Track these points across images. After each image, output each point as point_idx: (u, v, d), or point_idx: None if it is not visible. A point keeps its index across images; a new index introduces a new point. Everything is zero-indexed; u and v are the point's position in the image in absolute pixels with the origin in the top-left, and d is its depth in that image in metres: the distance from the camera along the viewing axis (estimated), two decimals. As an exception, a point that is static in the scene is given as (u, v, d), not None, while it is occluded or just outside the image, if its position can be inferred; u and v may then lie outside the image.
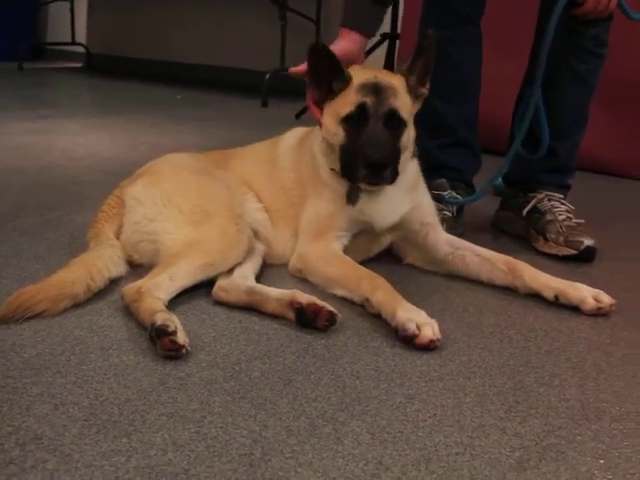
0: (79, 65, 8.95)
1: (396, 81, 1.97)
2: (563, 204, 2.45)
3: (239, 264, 1.90)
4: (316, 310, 1.68)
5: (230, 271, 1.87)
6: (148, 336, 1.57)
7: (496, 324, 1.80)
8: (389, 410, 1.36)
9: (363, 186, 1.97)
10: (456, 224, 2.43)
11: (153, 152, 2.62)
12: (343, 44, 2.14)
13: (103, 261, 1.84)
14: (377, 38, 4.97)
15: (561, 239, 2.31)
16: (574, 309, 1.87)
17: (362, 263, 1.98)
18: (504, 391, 1.46)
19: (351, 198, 2.01)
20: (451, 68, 2.44)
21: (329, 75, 1.97)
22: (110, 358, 1.52)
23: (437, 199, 2.33)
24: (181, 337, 1.53)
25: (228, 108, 5.85)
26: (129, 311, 1.70)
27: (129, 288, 1.73)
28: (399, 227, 2.09)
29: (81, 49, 8.85)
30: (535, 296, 1.94)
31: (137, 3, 8.26)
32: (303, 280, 2.01)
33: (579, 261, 2.27)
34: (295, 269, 2.04)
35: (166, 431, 1.26)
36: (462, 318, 1.83)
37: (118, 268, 1.89)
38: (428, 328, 1.61)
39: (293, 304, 1.71)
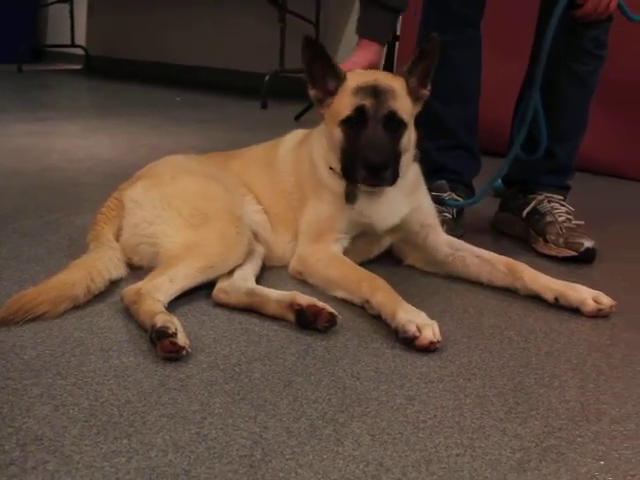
0: (78, 67, 8.96)
1: (396, 83, 1.97)
2: (563, 205, 2.46)
3: (239, 266, 1.90)
4: (316, 312, 1.68)
5: (230, 273, 1.87)
6: (148, 338, 1.57)
7: (496, 325, 1.80)
8: (389, 411, 1.36)
9: (363, 187, 1.97)
10: (456, 226, 2.43)
11: (152, 154, 2.62)
12: (367, 55, 2.21)
13: (103, 263, 1.84)
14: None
15: (561, 240, 2.31)
16: (574, 311, 1.87)
17: (362, 265, 1.98)
18: (504, 392, 1.46)
19: (349, 198, 2.01)
20: (451, 71, 2.44)
21: (323, 72, 1.98)
22: (110, 360, 1.52)
23: (437, 201, 2.33)
24: (181, 339, 1.53)
25: (227, 110, 5.85)
26: (129, 313, 1.70)
27: (129, 290, 1.73)
28: (399, 229, 2.09)
29: (80, 51, 8.86)
30: (535, 298, 1.94)
31: (137, 5, 8.27)
32: (303, 282, 2.01)
33: (579, 262, 2.27)
34: (295, 271, 2.04)
35: (166, 432, 1.26)
36: (462, 319, 1.83)
37: (118, 270, 1.89)
38: (428, 329, 1.61)
39: (293, 306, 1.71)
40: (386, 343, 1.65)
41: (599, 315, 1.85)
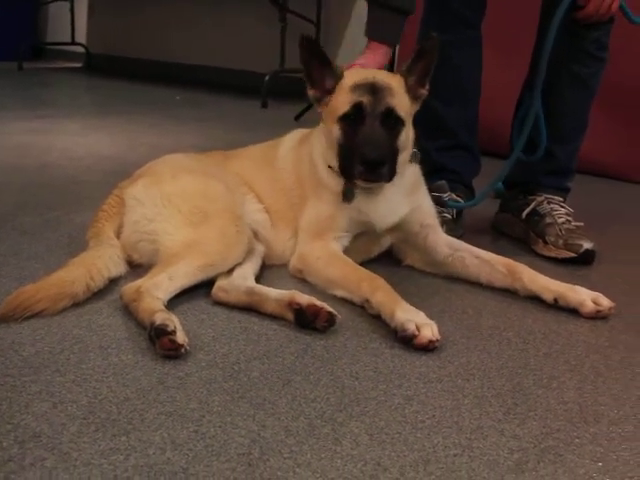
0: (79, 65, 8.95)
1: (394, 81, 1.97)
2: (562, 207, 2.46)
3: (239, 264, 1.91)
4: (315, 311, 1.68)
5: (230, 271, 1.87)
6: (147, 335, 1.57)
7: (495, 326, 1.80)
8: (388, 411, 1.36)
9: (360, 183, 1.97)
10: (456, 226, 2.44)
11: (152, 153, 2.62)
12: (375, 57, 2.22)
13: (103, 261, 1.84)
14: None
15: (560, 242, 2.31)
16: (573, 312, 1.87)
17: (362, 264, 1.98)
18: (503, 393, 1.46)
19: (347, 195, 2.01)
20: (451, 71, 2.44)
21: (320, 70, 1.99)
22: (109, 357, 1.52)
23: (437, 201, 2.33)
24: (180, 337, 1.53)
25: (227, 109, 5.85)
26: (128, 310, 1.70)
27: (128, 287, 1.73)
28: (399, 228, 2.09)
29: (81, 49, 8.86)
30: (534, 299, 1.94)
31: (137, 4, 8.27)
32: (302, 281, 2.01)
33: (578, 264, 2.27)
34: (295, 269, 2.04)
35: (165, 430, 1.26)
36: (461, 320, 1.83)
37: (118, 268, 1.89)
38: (427, 329, 1.62)
39: (292, 305, 1.71)
40: (385, 343, 1.65)
41: (598, 317, 1.86)
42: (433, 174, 2.44)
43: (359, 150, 1.89)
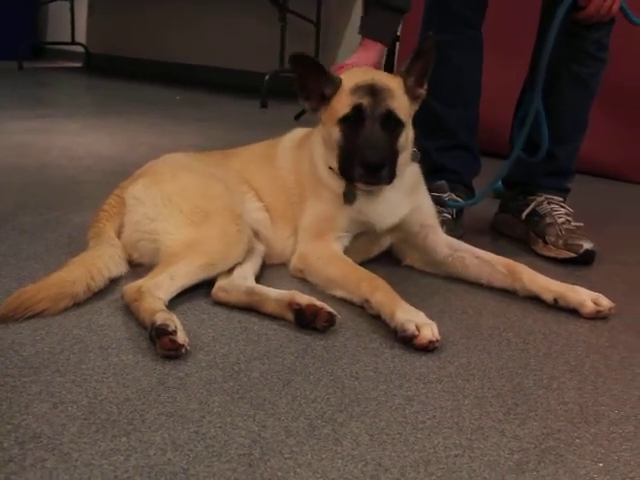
0: (79, 65, 8.95)
1: (393, 82, 1.97)
2: (562, 207, 2.46)
3: (239, 264, 1.91)
4: (315, 311, 1.68)
5: (230, 271, 1.87)
6: (148, 335, 1.57)
7: (495, 326, 1.80)
8: (388, 411, 1.36)
9: (360, 186, 1.97)
10: (455, 226, 2.44)
11: (152, 152, 2.62)
12: (368, 55, 2.21)
13: (103, 260, 1.84)
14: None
15: (560, 242, 2.31)
16: (573, 312, 1.87)
17: (362, 264, 1.98)
18: (503, 393, 1.46)
19: (348, 198, 2.01)
20: (451, 71, 2.44)
21: (317, 81, 1.98)
22: (109, 357, 1.52)
23: (437, 201, 2.33)
24: (181, 337, 1.53)
25: (227, 109, 5.85)
26: (129, 310, 1.70)
27: (129, 287, 1.73)
28: (399, 229, 2.09)
29: (81, 49, 8.85)
30: (534, 299, 1.94)
31: (137, 3, 8.27)
32: (302, 281, 2.01)
33: (578, 264, 2.27)
34: (295, 269, 2.04)
35: (165, 430, 1.26)
36: (461, 320, 1.83)
37: (118, 267, 1.89)
38: (427, 329, 1.62)
39: (292, 305, 1.71)
40: (385, 343, 1.65)
41: (598, 317, 1.86)
42: (433, 174, 2.44)
43: (359, 153, 1.89)
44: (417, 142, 2.10)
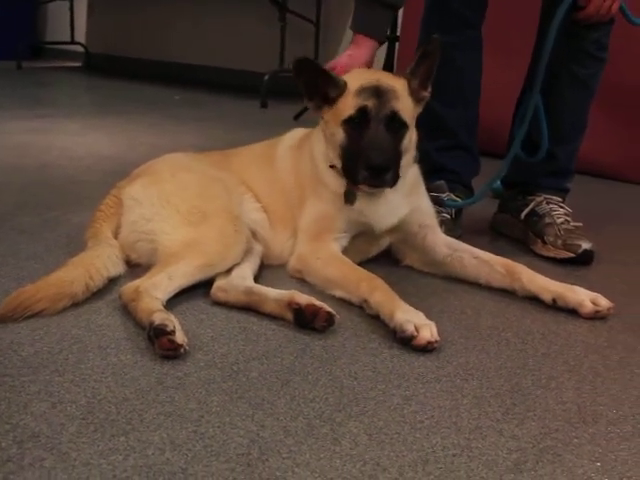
0: (78, 64, 8.95)
1: (398, 84, 1.97)
2: (561, 207, 2.46)
3: (237, 264, 1.91)
4: (314, 311, 1.68)
5: (228, 271, 1.87)
6: (146, 335, 1.57)
7: (494, 326, 1.80)
8: (386, 411, 1.36)
9: (364, 188, 1.97)
10: (454, 226, 2.44)
11: (152, 152, 2.62)
12: (361, 51, 2.19)
13: (102, 260, 1.84)
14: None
15: (559, 242, 2.31)
16: (571, 312, 1.87)
17: (361, 264, 1.98)
18: (501, 393, 1.46)
19: (349, 198, 2.01)
20: (454, 72, 2.44)
21: (322, 84, 1.97)
22: (108, 357, 1.52)
23: (435, 201, 2.33)
24: (179, 337, 1.53)
25: (227, 109, 5.85)
26: (127, 310, 1.70)
27: (127, 287, 1.73)
28: (398, 229, 2.09)
29: (80, 48, 8.85)
30: (533, 299, 1.94)
31: (137, 3, 8.27)
32: (301, 281, 2.01)
33: (577, 264, 2.27)
34: (294, 270, 2.04)
35: (164, 430, 1.26)
36: (460, 320, 1.83)
37: (116, 267, 1.89)
38: (426, 329, 1.62)
39: (291, 305, 1.71)
40: (384, 343, 1.65)
41: (597, 317, 1.86)
42: (432, 174, 2.44)
43: (364, 155, 1.88)
44: (419, 144, 2.10)
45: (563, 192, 2.54)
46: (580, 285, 1.92)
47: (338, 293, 1.89)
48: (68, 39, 8.86)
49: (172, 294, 1.76)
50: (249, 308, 1.79)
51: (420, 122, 2.07)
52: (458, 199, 2.52)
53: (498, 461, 1.22)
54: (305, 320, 1.69)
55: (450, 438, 1.28)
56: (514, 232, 2.55)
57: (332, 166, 2.04)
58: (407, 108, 1.97)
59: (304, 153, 2.15)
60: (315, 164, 2.09)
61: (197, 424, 1.28)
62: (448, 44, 2.21)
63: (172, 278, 1.76)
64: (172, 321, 1.56)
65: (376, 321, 1.74)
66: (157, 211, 1.93)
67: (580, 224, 2.40)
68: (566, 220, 2.39)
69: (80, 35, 9.01)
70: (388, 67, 4.95)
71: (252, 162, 2.26)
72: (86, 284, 1.76)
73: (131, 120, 4.96)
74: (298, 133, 2.28)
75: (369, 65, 2.21)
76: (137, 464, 1.16)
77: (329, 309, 1.69)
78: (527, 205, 2.50)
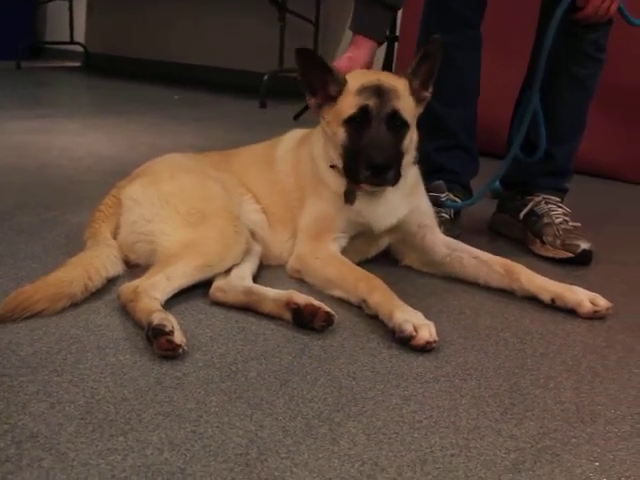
0: (77, 64, 8.95)
1: (399, 83, 1.97)
2: (560, 207, 2.46)
3: (236, 265, 1.91)
4: (313, 311, 1.68)
5: (227, 271, 1.88)
6: (145, 335, 1.57)
7: (492, 326, 1.80)
8: (385, 411, 1.36)
9: (366, 187, 1.97)
10: (453, 226, 2.44)
11: (151, 152, 2.62)
12: (361, 52, 2.18)
13: (100, 261, 1.84)
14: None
15: (558, 242, 2.31)
16: (570, 312, 1.88)
17: (360, 264, 1.98)
18: (500, 393, 1.46)
19: (349, 198, 2.01)
20: (455, 72, 2.44)
21: (322, 79, 1.98)
22: (106, 357, 1.52)
23: (435, 201, 2.33)
24: (178, 337, 1.53)
25: (226, 109, 5.85)
26: (126, 310, 1.70)
27: (126, 288, 1.73)
28: (397, 229, 2.09)
29: (80, 48, 8.85)
30: (532, 299, 1.95)
31: (136, 3, 8.27)
32: (300, 281, 2.01)
33: (575, 264, 2.28)
34: (293, 269, 2.04)
35: (162, 430, 1.26)
36: (459, 320, 1.83)
37: (115, 268, 1.89)
38: (425, 329, 1.62)
39: (290, 305, 1.71)
40: (382, 343, 1.65)
41: (595, 317, 1.86)
42: (431, 174, 2.44)
43: (365, 154, 1.89)
44: (420, 145, 2.10)
45: (562, 192, 2.54)
46: (579, 285, 1.92)
47: (337, 293, 1.89)
48: (67, 39, 8.86)
49: (171, 294, 1.76)
50: (248, 308, 1.79)
51: (420, 122, 2.08)
52: (457, 199, 2.52)
53: (496, 461, 1.22)
54: (304, 320, 1.69)
55: (448, 438, 1.28)
56: (513, 232, 2.56)
57: (332, 166, 2.04)
58: (408, 108, 1.97)
59: (304, 154, 2.15)
60: (315, 164, 2.09)
61: (196, 424, 1.28)
62: (448, 44, 2.21)
63: (171, 278, 1.76)
64: (171, 321, 1.56)
65: (375, 321, 1.74)
66: (156, 212, 1.92)
67: (579, 224, 2.40)
68: (565, 220, 2.40)
69: (79, 35, 9.02)
70: (387, 67, 4.95)
71: (252, 163, 2.26)
72: (85, 284, 1.76)
73: (131, 120, 4.96)
74: (297, 133, 2.28)
75: (369, 66, 2.21)
76: (136, 464, 1.16)
77: (328, 309, 1.69)
78: (526, 205, 2.50)
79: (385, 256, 2.21)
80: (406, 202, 2.08)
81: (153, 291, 1.69)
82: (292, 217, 2.12)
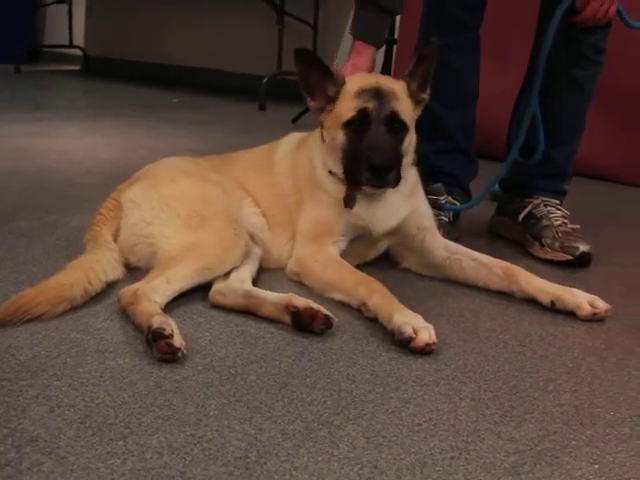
0: (76, 68, 8.96)
1: (397, 86, 1.98)
2: (559, 210, 2.46)
3: (236, 268, 1.91)
4: (312, 314, 1.68)
5: (227, 275, 1.88)
6: (144, 339, 1.57)
7: (492, 329, 1.80)
8: (384, 414, 1.36)
9: (367, 189, 1.97)
10: (452, 229, 2.44)
11: (151, 155, 2.62)
12: (363, 59, 2.20)
13: (101, 264, 1.84)
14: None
15: (557, 244, 2.31)
16: (569, 314, 1.88)
17: (359, 267, 1.99)
18: (499, 396, 1.46)
19: (348, 202, 2.02)
20: (453, 75, 2.45)
21: (320, 79, 1.98)
22: (106, 361, 1.52)
23: (433, 204, 2.33)
24: (177, 340, 1.53)
25: (225, 112, 5.85)
26: (125, 314, 1.70)
27: (126, 291, 1.73)
28: (396, 232, 2.10)
29: (78, 52, 8.86)
30: (531, 301, 1.95)
31: (135, 6, 8.28)
32: (299, 284, 2.01)
33: (574, 266, 2.28)
34: (293, 273, 2.04)
35: (162, 434, 1.26)
36: (458, 323, 1.83)
37: (115, 272, 1.89)
38: (425, 332, 1.62)
39: (289, 308, 1.71)
40: (382, 346, 1.65)
41: (594, 319, 1.86)
42: (430, 177, 2.44)
43: (365, 156, 1.89)
44: (418, 147, 2.11)
45: (560, 194, 2.55)
46: (578, 287, 1.92)
47: (336, 296, 1.89)
48: (66, 42, 8.87)
49: (171, 298, 1.76)
50: (247, 311, 1.79)
51: (419, 125, 2.08)
52: (456, 202, 2.52)
53: (496, 464, 1.22)
54: (303, 323, 1.69)
55: (448, 441, 1.28)
56: (512, 234, 2.56)
57: (330, 172, 2.04)
58: (407, 109, 1.98)
59: (302, 158, 2.16)
60: (313, 168, 2.10)
61: (195, 427, 1.28)
62: (446, 46, 2.21)
63: (171, 282, 1.76)
64: (170, 324, 1.56)
65: (374, 324, 1.74)
66: (156, 214, 1.93)
67: (578, 226, 2.41)
68: (564, 222, 2.40)
69: (78, 38, 9.02)
70: (386, 70, 4.96)
71: (251, 166, 2.26)
72: (85, 288, 1.76)
73: (129, 123, 4.96)
74: (296, 137, 2.28)
75: (371, 70, 2.23)
76: (135, 468, 1.16)
77: (327, 312, 1.69)
78: (525, 207, 2.51)
79: (384, 259, 2.22)
80: (406, 204, 2.08)
81: (153, 294, 1.69)
82: (291, 220, 2.13)
